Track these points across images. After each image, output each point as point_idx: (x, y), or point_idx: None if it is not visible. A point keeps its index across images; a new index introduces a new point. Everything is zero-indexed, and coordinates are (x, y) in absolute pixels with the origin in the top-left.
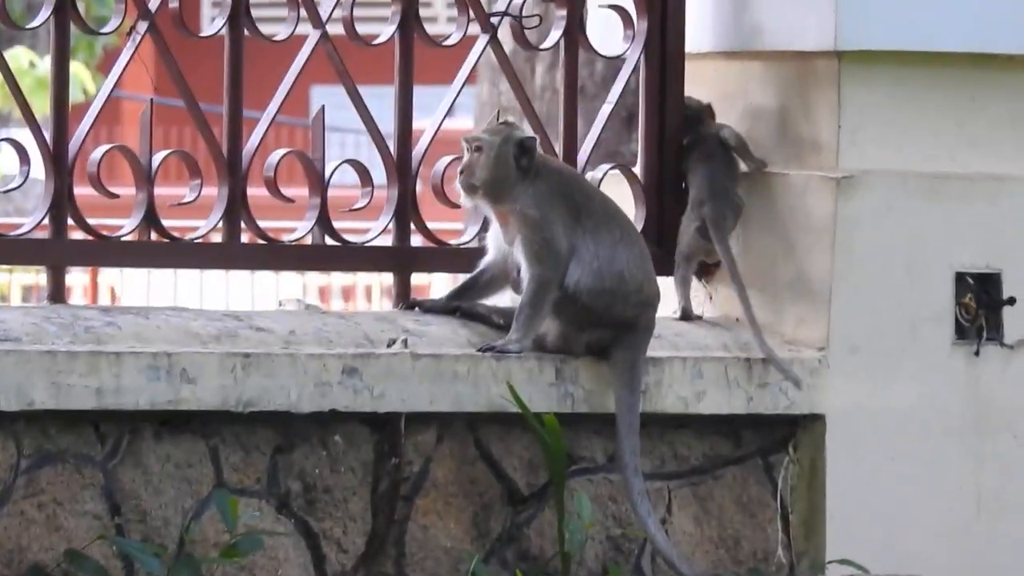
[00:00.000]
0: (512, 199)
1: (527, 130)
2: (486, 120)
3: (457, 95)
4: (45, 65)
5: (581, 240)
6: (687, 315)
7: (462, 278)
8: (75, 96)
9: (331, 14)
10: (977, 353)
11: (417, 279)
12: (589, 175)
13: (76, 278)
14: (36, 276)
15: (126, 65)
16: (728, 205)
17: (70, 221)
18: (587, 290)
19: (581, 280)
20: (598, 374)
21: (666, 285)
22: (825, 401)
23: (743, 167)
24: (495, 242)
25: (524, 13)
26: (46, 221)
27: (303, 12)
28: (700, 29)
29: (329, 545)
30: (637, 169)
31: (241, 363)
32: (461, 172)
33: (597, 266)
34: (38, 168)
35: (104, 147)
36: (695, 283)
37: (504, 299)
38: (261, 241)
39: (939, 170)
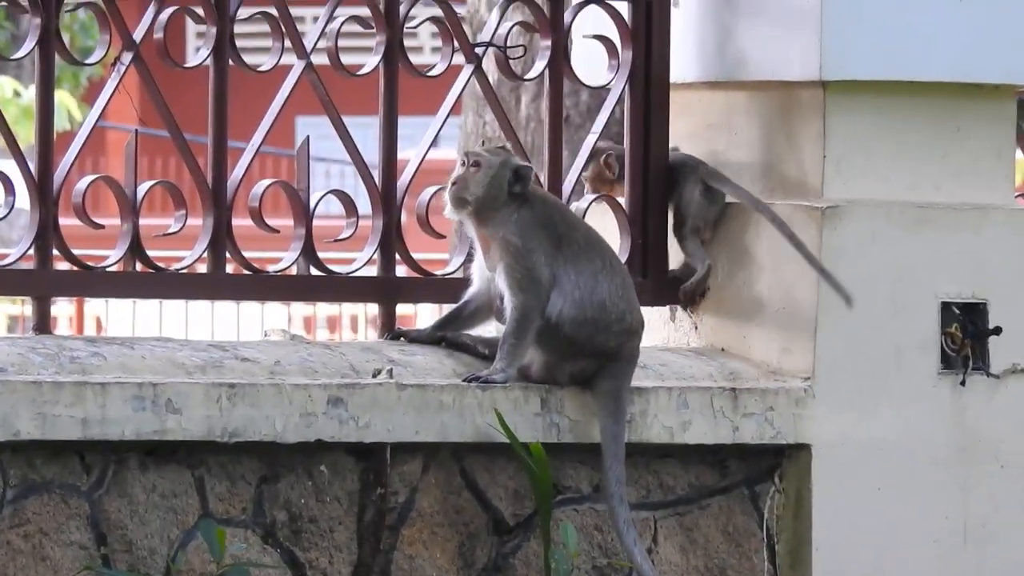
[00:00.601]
0: (496, 223)
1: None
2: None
3: (442, 125)
4: (30, 94)
5: (562, 269)
6: (708, 268)
7: (447, 308)
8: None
9: (315, 45)
10: (963, 383)
11: (402, 309)
12: (574, 205)
13: (62, 308)
14: (21, 306)
15: (111, 96)
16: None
17: (55, 251)
18: (569, 320)
19: (563, 310)
20: (583, 404)
21: (651, 315)
22: (811, 431)
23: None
24: (479, 272)
25: (509, 43)
26: (31, 251)
27: (288, 43)
28: (685, 59)
29: (315, 575)
30: (622, 199)
31: (227, 393)
32: (453, 184)
33: (579, 296)
34: (23, 198)
35: (89, 177)
36: (680, 313)
37: (489, 329)
38: (246, 271)
39: (924, 200)
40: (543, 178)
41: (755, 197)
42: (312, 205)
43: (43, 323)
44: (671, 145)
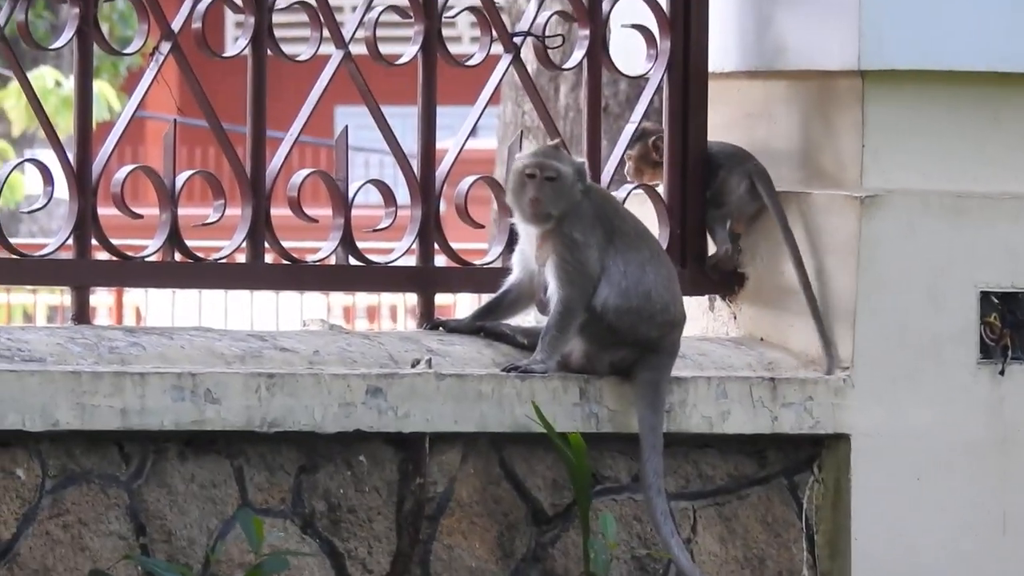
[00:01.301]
0: (565, 221)
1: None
2: (509, 140)
3: (480, 115)
4: (70, 84)
5: (612, 260)
6: (730, 254)
7: (486, 298)
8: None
9: (354, 34)
10: (1002, 372)
11: (441, 299)
12: (612, 194)
13: (101, 298)
14: (61, 296)
15: (149, 85)
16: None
17: (94, 241)
18: (614, 309)
19: (609, 299)
20: (622, 394)
21: (690, 304)
22: (850, 421)
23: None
24: (521, 261)
25: (547, 33)
26: (70, 241)
27: (326, 32)
28: (724, 48)
29: (354, 565)
30: (660, 189)
31: (265, 383)
32: (532, 201)
33: (625, 285)
34: (62, 188)
35: (128, 167)
36: (719, 302)
37: (528, 319)
38: (285, 261)
39: (962, 189)
40: None
41: (785, 219)
42: (351, 195)
43: (82, 313)
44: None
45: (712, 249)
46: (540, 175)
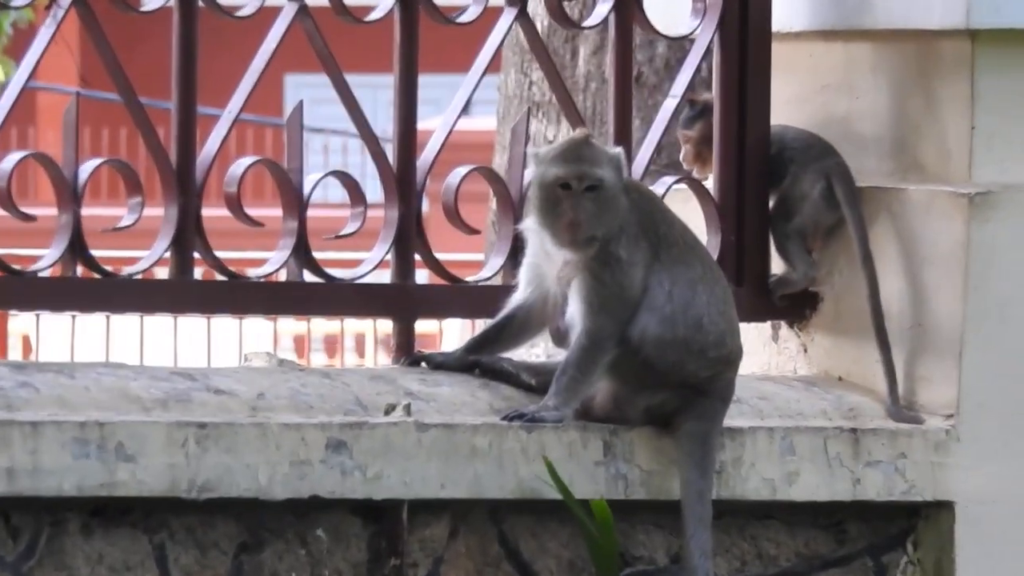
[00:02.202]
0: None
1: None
2: (512, 119)
3: (475, 87)
4: None
5: (656, 278)
6: (811, 280)
7: (482, 325)
8: None
9: None
10: None
11: (423, 326)
12: (654, 192)
13: None
14: None
15: (44, 49)
16: (844, 164)
17: None
18: (654, 340)
19: (648, 328)
20: (659, 450)
21: (748, 333)
22: (954, 484)
23: None
24: (533, 278)
25: None
26: None
27: None
28: (791, 2)
29: None
30: (710, 184)
31: (195, 436)
32: (570, 225)
33: (670, 311)
34: None
35: (16, 155)
36: (785, 331)
37: (536, 352)
38: (220, 277)
39: None
40: None
41: (866, 239)
42: (307, 191)
43: None
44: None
45: (777, 267)
46: (578, 186)
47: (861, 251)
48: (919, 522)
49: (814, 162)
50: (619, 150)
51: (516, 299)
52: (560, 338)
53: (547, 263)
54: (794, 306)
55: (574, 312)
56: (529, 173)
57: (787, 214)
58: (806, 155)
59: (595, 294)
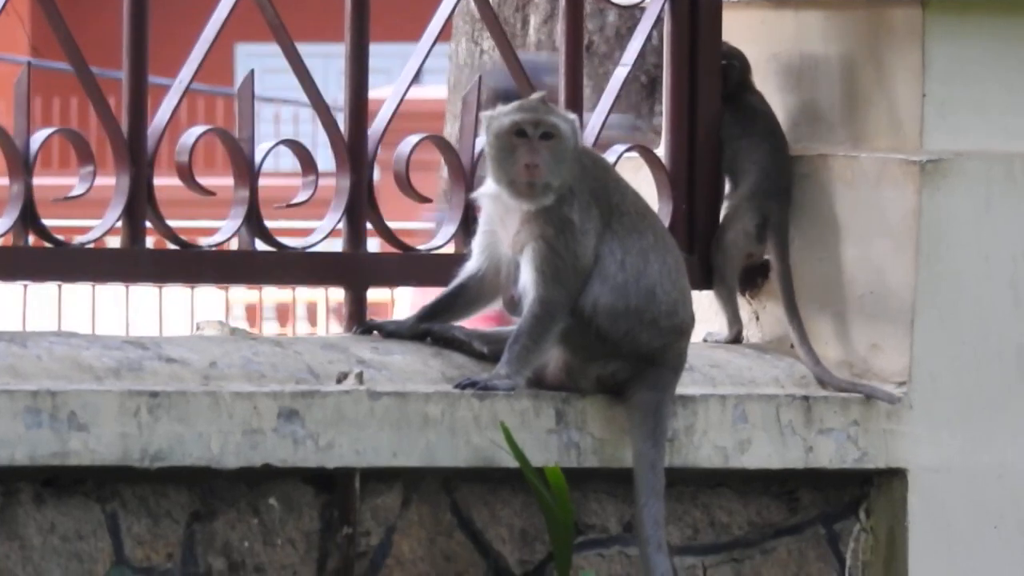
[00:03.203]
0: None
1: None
2: (463, 88)
3: (426, 56)
4: None
5: (607, 247)
6: (739, 338)
7: (434, 293)
8: None
9: None
10: None
11: (375, 295)
12: (607, 160)
13: None
14: None
15: None
16: (788, 203)
17: None
18: (606, 310)
19: (600, 298)
20: (611, 418)
21: (699, 301)
22: (906, 452)
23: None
24: (487, 246)
25: None
26: None
27: None
28: None
29: None
30: (660, 152)
31: (147, 405)
32: (527, 168)
33: (622, 280)
34: None
35: None
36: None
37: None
38: (172, 246)
39: None
40: None
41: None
42: (258, 160)
43: None
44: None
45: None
46: (534, 132)
47: (786, 301)
48: (871, 490)
49: (762, 196)
50: (575, 116)
51: (469, 268)
52: (513, 307)
53: (501, 230)
54: (746, 274)
55: (527, 280)
56: (482, 138)
57: (722, 229)
58: (759, 185)
59: (548, 263)
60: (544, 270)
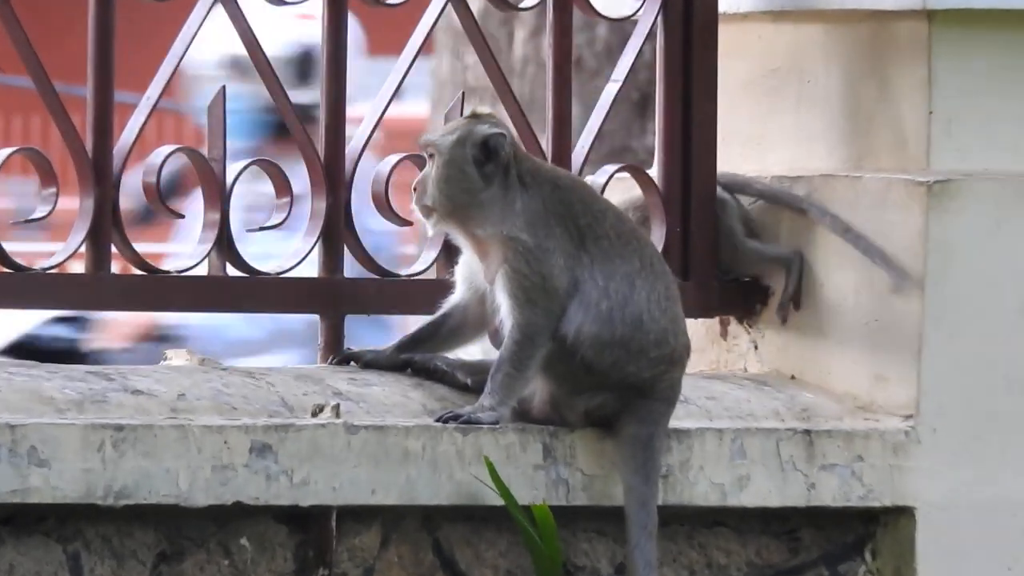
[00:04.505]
0: (489, 219)
1: (502, 122)
2: (445, 107)
3: (407, 71)
4: None
5: (587, 272)
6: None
7: (417, 322)
8: None
9: None
10: None
11: (353, 323)
12: (589, 180)
13: None
14: None
15: None
16: None
17: None
18: (591, 340)
19: (584, 326)
20: (602, 452)
21: (695, 329)
22: (914, 489)
23: None
24: (467, 277)
25: None
26: None
27: None
28: None
29: None
30: (654, 172)
31: (112, 439)
32: (414, 189)
33: (607, 308)
34: None
35: None
36: (734, 327)
37: (473, 352)
38: (138, 271)
39: None
40: (545, 143)
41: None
42: (229, 180)
43: None
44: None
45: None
46: (424, 153)
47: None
48: (877, 529)
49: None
50: (497, 131)
51: (453, 299)
52: (496, 338)
53: (473, 260)
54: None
55: (503, 309)
56: None
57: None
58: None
59: (517, 286)
60: (516, 295)
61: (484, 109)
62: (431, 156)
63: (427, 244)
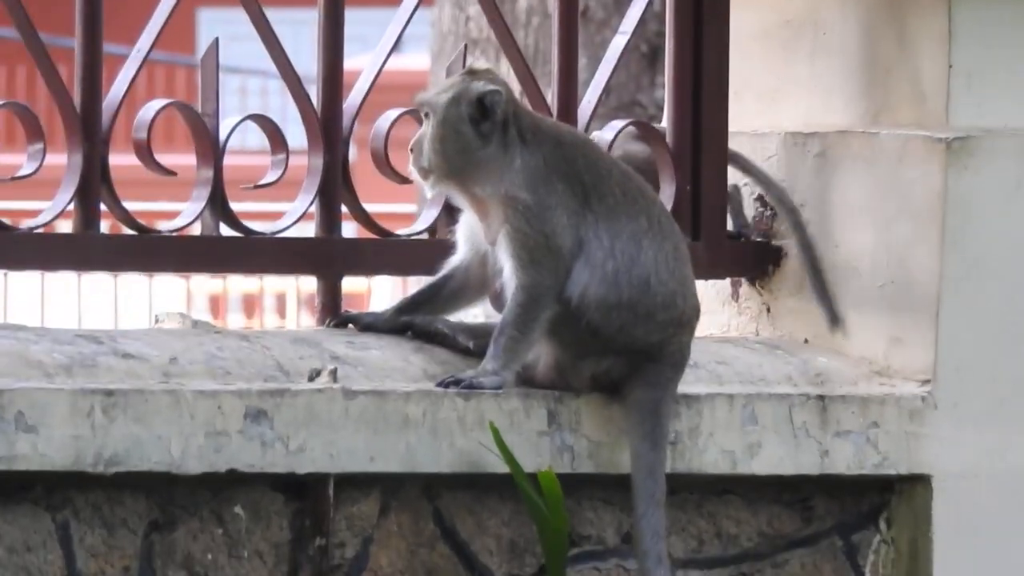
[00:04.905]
0: (487, 178)
1: (499, 78)
2: (447, 59)
3: (407, 23)
4: None
5: (591, 232)
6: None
7: (417, 284)
8: None
9: None
10: None
11: (351, 284)
12: (595, 136)
13: None
14: None
15: None
16: None
17: None
18: (597, 302)
19: (589, 288)
20: (608, 419)
21: (705, 291)
22: (930, 456)
23: None
24: (469, 238)
25: None
26: None
27: None
28: None
29: None
30: (664, 125)
31: (101, 404)
32: (411, 151)
33: (612, 268)
34: None
35: None
36: (745, 288)
37: (475, 314)
38: (129, 231)
39: None
40: (551, 98)
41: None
42: (223, 136)
43: None
44: None
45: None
46: (421, 113)
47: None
48: (892, 497)
49: None
50: (493, 88)
51: (454, 260)
52: (499, 300)
53: (474, 219)
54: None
55: (506, 270)
56: None
57: None
58: None
59: (520, 246)
60: (519, 255)
61: (481, 64)
62: (426, 116)
63: (428, 201)
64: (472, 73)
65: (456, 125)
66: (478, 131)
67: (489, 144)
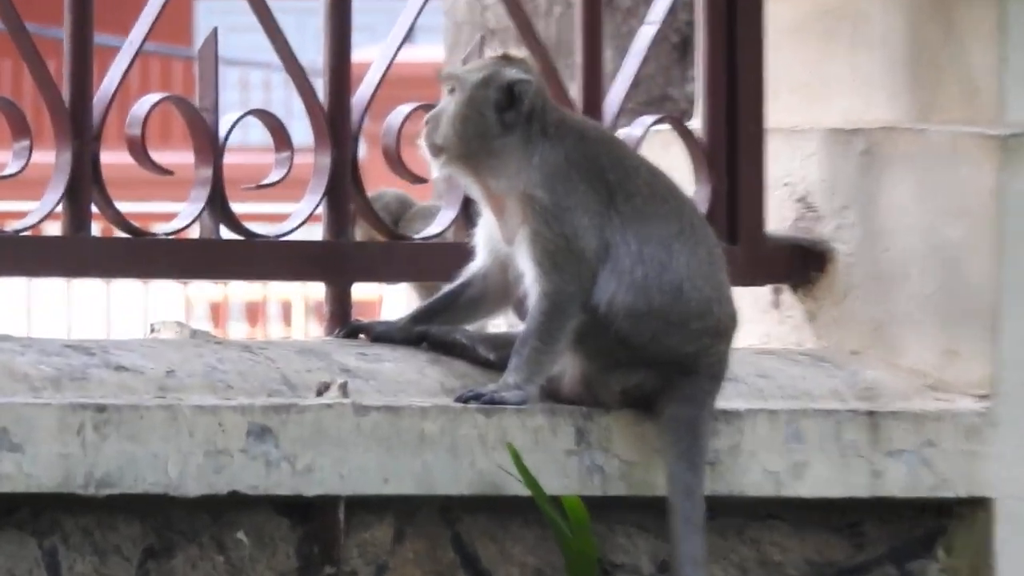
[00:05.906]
0: (504, 172)
1: (534, 69)
2: (462, 51)
3: (419, 11)
4: None
5: (618, 235)
6: None
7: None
8: None
9: None
10: None
11: (361, 291)
12: (623, 133)
13: None
14: None
15: None
16: None
17: None
18: (626, 311)
19: (617, 296)
20: (641, 436)
21: (743, 299)
22: (991, 478)
23: None
24: (488, 242)
25: None
26: None
27: None
28: None
29: None
30: (695, 123)
31: (93, 420)
32: (427, 122)
33: (642, 275)
34: None
35: None
36: (787, 296)
37: (497, 324)
38: (122, 234)
39: None
40: (575, 92)
41: None
42: (223, 133)
43: None
44: None
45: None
46: (444, 87)
47: None
48: (951, 522)
49: None
50: (526, 77)
51: (473, 266)
52: (521, 308)
53: (492, 220)
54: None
55: (527, 276)
56: None
57: None
58: None
59: (541, 250)
60: (541, 260)
61: (517, 53)
62: (451, 91)
63: (444, 203)
64: (506, 59)
65: (480, 107)
66: (501, 118)
67: (510, 134)
